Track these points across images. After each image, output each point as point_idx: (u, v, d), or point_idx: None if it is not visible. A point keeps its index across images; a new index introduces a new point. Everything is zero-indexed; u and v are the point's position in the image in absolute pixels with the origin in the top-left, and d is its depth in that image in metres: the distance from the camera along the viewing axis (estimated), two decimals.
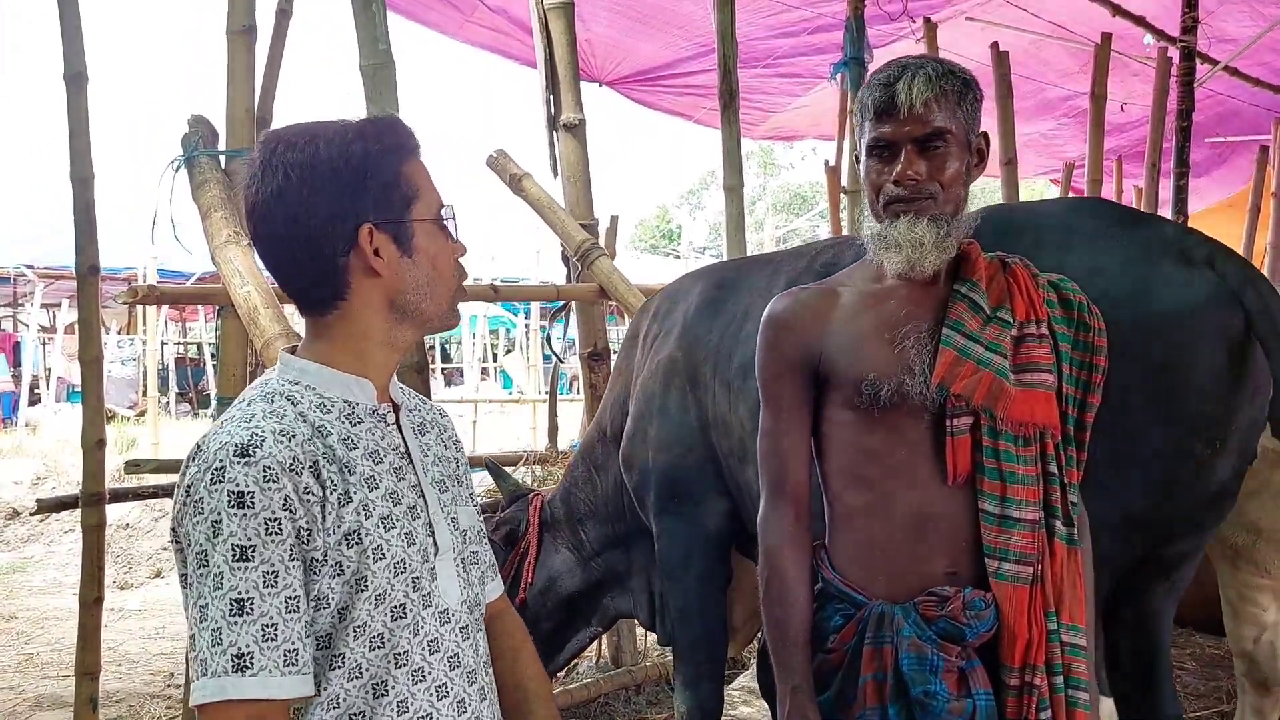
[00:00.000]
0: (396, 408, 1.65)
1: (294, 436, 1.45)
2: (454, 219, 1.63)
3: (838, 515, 1.95)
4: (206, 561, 1.37)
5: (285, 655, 1.38)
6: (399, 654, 1.51)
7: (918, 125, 1.83)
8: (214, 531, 1.37)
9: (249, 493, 1.38)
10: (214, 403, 3.74)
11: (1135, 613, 2.52)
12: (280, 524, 1.39)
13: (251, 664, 1.35)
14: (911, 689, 1.79)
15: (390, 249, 1.54)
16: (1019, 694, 1.81)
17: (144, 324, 15.98)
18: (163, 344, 17.41)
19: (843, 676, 1.87)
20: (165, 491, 4.52)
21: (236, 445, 1.40)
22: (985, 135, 1.93)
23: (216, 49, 3.73)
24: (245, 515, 1.37)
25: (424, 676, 1.54)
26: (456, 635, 1.60)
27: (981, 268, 1.92)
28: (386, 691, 1.50)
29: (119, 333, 19.51)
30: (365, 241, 1.52)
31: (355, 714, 1.48)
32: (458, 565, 1.63)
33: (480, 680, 1.64)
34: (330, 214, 1.50)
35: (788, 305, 1.98)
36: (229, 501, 1.37)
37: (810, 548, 1.96)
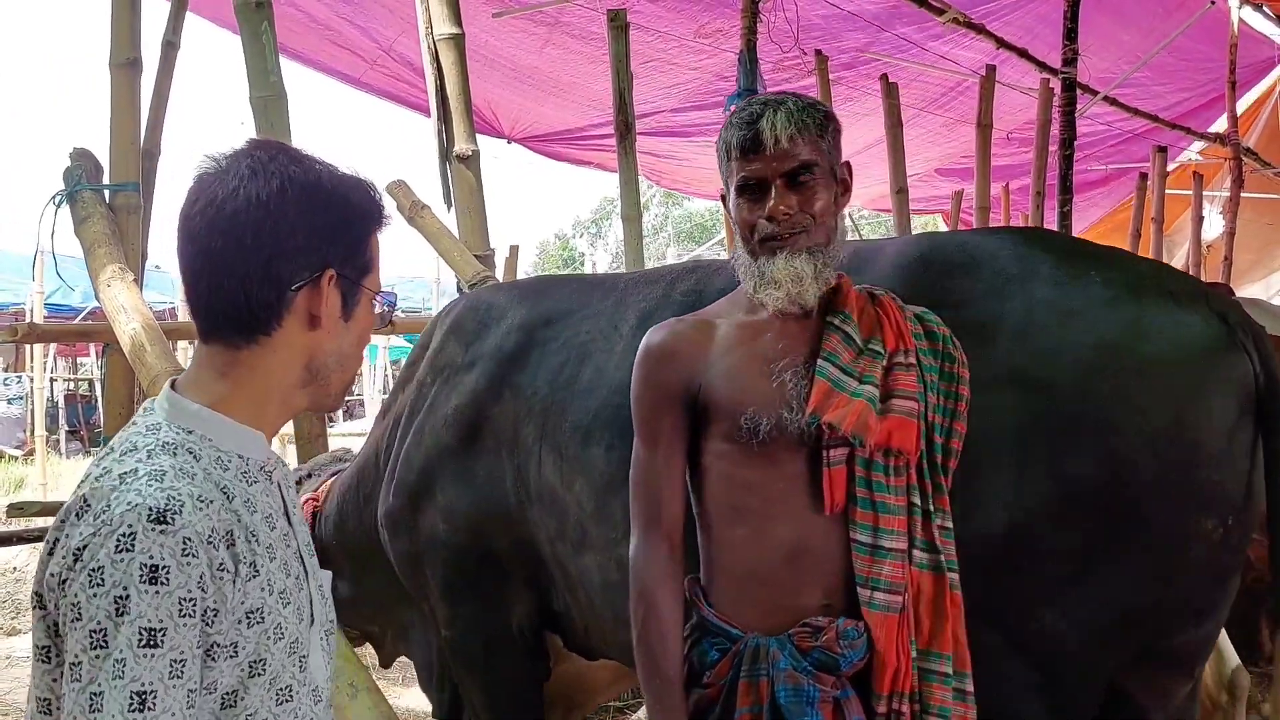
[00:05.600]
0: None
1: (211, 502, 1.28)
2: (390, 306, 1.53)
3: (714, 548, 1.94)
4: (105, 643, 1.17)
5: None
6: None
7: (785, 160, 1.85)
8: (118, 609, 1.17)
9: (165, 567, 1.19)
10: (103, 442, 3.64)
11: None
12: (194, 604, 1.22)
13: None
14: None
15: (336, 306, 1.42)
16: None
17: (31, 361, 15.47)
18: (51, 381, 16.85)
19: (720, 711, 1.86)
20: None
21: (151, 509, 1.21)
22: (848, 165, 1.96)
23: (103, 81, 3.66)
24: (159, 593, 1.19)
25: None
26: (326, 715, 1.46)
27: (853, 300, 1.95)
28: None
29: (6, 370, 18.88)
30: (325, 284, 1.40)
31: None
32: (323, 639, 1.48)
33: None
34: (306, 243, 1.37)
35: (665, 337, 1.97)
36: (140, 575, 1.18)
37: (682, 584, 1.95)
